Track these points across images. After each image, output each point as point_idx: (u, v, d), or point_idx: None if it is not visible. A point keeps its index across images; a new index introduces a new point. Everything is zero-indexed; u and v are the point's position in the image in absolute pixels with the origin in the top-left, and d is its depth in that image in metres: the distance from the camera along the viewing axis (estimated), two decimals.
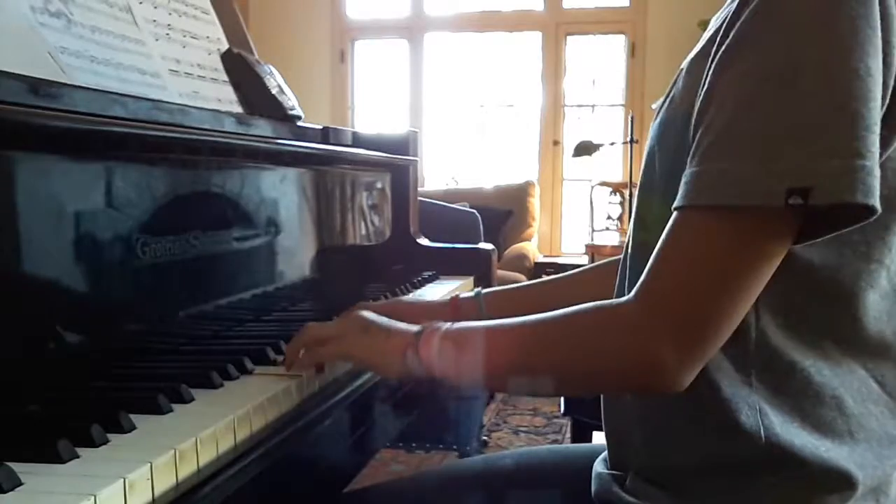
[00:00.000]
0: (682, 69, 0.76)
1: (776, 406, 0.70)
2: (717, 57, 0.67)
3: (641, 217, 0.80)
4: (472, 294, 1.04)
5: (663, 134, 0.76)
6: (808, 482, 0.70)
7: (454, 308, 1.02)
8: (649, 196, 0.78)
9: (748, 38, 0.65)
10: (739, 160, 0.63)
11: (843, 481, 0.70)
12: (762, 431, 0.70)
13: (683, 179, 0.67)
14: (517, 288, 1.08)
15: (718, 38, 0.68)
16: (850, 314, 0.71)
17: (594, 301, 0.72)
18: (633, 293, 0.69)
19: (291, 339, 0.86)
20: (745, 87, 0.65)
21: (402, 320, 0.98)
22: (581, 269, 1.09)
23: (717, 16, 0.79)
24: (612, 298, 0.76)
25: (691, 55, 0.75)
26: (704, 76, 0.69)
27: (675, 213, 0.68)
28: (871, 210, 0.62)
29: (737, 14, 0.66)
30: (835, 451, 0.70)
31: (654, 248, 0.69)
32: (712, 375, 0.70)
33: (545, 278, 1.13)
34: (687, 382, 0.67)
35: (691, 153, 0.67)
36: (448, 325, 0.79)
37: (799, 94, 0.62)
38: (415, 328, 0.80)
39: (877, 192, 0.61)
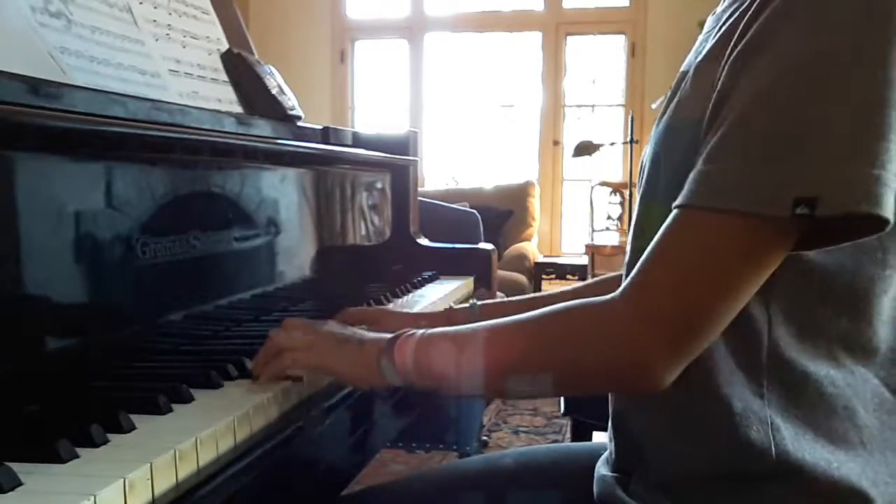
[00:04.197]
0: (686, 72, 0.75)
1: (788, 418, 0.69)
2: (734, 57, 0.65)
3: (641, 226, 0.77)
4: (467, 305, 1.02)
5: (669, 139, 0.74)
6: (819, 499, 0.68)
7: (449, 320, 0.99)
8: (651, 204, 0.76)
9: (767, 39, 0.63)
10: (746, 163, 0.62)
11: (855, 499, 0.68)
12: (773, 448, 0.68)
13: (689, 178, 0.65)
14: (514, 300, 1.06)
15: (735, 38, 0.66)
16: (866, 320, 0.69)
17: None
18: (620, 289, 0.68)
19: (259, 351, 0.82)
20: (759, 89, 0.62)
21: (388, 331, 0.97)
22: (583, 283, 1.06)
23: (714, 14, 0.78)
24: None
25: (698, 57, 0.73)
26: (718, 77, 0.66)
27: (674, 212, 0.66)
28: (883, 221, 0.59)
29: (756, 13, 0.64)
30: (847, 465, 0.68)
31: None
32: (723, 390, 0.69)
33: (543, 292, 1.11)
34: (668, 382, 0.65)
35: (701, 154, 0.65)
36: (423, 330, 0.76)
37: (814, 97, 0.60)
38: (389, 335, 0.78)
39: (889, 202, 0.59)
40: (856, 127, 0.59)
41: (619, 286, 0.83)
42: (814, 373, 0.69)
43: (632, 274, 0.67)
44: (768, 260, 0.64)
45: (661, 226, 0.68)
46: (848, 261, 0.68)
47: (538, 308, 1.01)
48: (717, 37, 0.71)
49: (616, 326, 0.67)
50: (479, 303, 1.02)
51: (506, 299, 1.07)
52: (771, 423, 0.68)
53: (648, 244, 0.68)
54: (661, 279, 0.66)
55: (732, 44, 0.66)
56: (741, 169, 0.62)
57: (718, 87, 0.66)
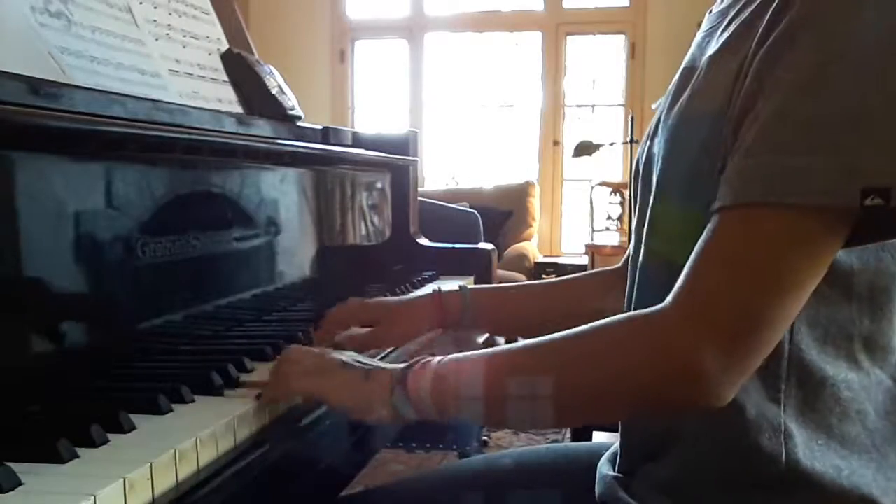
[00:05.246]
0: (693, 67, 0.74)
1: (802, 424, 0.68)
2: (765, 49, 0.62)
3: (656, 225, 0.75)
4: (455, 289, 0.96)
5: (683, 133, 0.72)
6: None
7: (437, 304, 0.95)
8: (665, 201, 0.74)
9: (805, 23, 0.61)
10: (799, 154, 0.59)
11: None
12: (783, 455, 0.67)
13: (728, 176, 0.62)
14: (504, 287, 1.04)
15: (762, 28, 0.63)
16: (886, 318, 0.69)
17: (587, 309, 0.69)
18: (669, 299, 0.63)
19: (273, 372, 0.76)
20: (803, 75, 0.60)
21: (389, 315, 0.95)
22: (572, 276, 1.03)
23: (711, 13, 0.77)
24: (613, 311, 0.70)
25: (707, 52, 0.72)
26: (741, 69, 0.64)
27: (717, 214, 0.63)
28: None
29: (783, 4, 0.62)
30: (858, 472, 0.67)
31: (671, 256, 0.65)
32: (738, 396, 0.66)
33: (535, 281, 1.08)
34: (730, 395, 0.62)
35: (737, 148, 0.63)
36: (441, 357, 0.71)
37: (867, 83, 0.58)
38: (400, 364, 0.72)
39: None
40: None
41: (619, 278, 0.83)
42: (832, 376, 0.68)
43: (680, 280, 0.63)
44: (825, 256, 0.62)
45: (678, 223, 0.66)
46: (871, 259, 0.67)
47: (532, 298, 0.99)
48: (731, 30, 0.69)
49: (669, 337, 0.62)
50: (469, 287, 0.97)
51: (499, 286, 1.04)
52: (784, 430, 0.67)
53: (667, 245, 0.66)
54: (715, 282, 0.62)
55: (759, 36, 0.64)
56: (794, 160, 0.59)
57: (748, 79, 0.63)
